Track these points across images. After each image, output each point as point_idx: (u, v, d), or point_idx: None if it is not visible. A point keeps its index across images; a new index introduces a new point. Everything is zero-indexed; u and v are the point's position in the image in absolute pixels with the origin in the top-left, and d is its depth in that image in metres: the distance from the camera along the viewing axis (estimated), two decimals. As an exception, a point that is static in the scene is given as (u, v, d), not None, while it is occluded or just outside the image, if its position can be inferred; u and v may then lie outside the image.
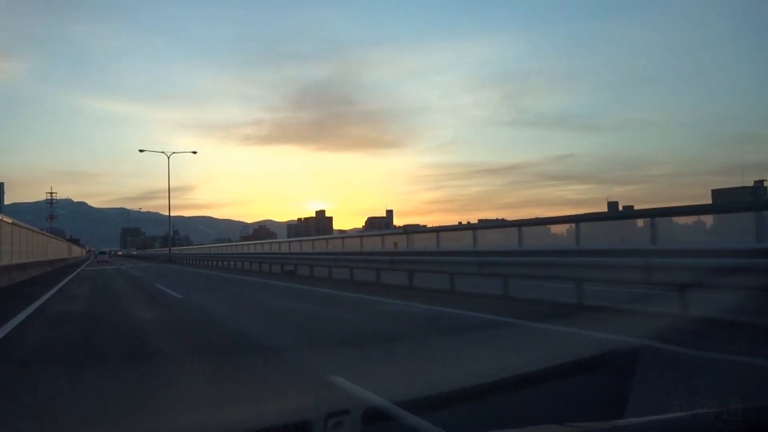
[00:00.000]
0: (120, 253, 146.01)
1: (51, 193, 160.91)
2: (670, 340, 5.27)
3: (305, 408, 2.62)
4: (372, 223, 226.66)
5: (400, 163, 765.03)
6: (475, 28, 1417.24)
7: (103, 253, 69.35)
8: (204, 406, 3.35)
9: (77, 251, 79.56)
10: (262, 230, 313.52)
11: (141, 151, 54.74)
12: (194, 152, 59.07)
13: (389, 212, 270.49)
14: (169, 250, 62.83)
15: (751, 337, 5.89)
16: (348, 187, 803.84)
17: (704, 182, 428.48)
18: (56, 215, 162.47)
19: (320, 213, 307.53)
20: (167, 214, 60.22)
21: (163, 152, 52.80)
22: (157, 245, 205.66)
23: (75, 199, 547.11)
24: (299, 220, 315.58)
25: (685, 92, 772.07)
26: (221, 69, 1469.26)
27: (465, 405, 2.62)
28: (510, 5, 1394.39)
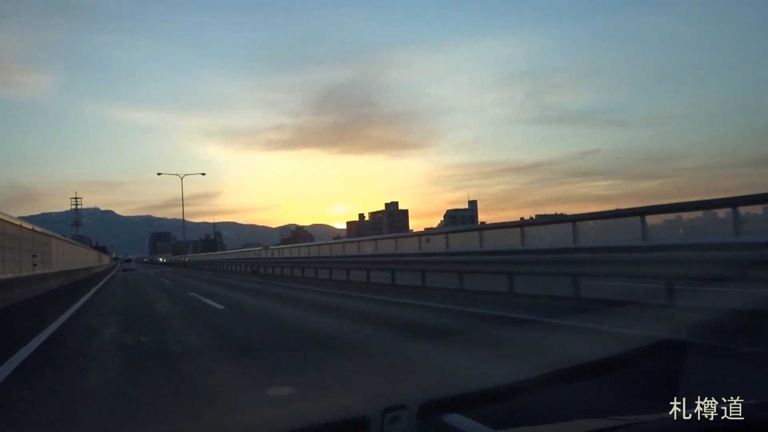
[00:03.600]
0: (163, 260, 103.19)
1: (75, 198, 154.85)
2: (718, 335, 5.34)
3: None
4: (453, 216, 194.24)
5: (422, 164, 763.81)
6: (496, 26, 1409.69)
7: (129, 260, 68.27)
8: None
9: (92, 258, 52.36)
10: (300, 232, 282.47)
11: (159, 174, 72.40)
12: (203, 173, 68.07)
13: (472, 203, 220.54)
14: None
15: None
16: (372, 189, 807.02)
17: (736, 174, 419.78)
18: (82, 222, 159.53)
19: (392, 206, 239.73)
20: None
21: (177, 174, 63.77)
22: (191, 251, 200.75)
23: (102, 208, 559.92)
24: (361, 216, 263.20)
25: (712, 84, 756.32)
26: (243, 75, 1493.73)
27: (515, 399, 2.74)
28: (531, 1, 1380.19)
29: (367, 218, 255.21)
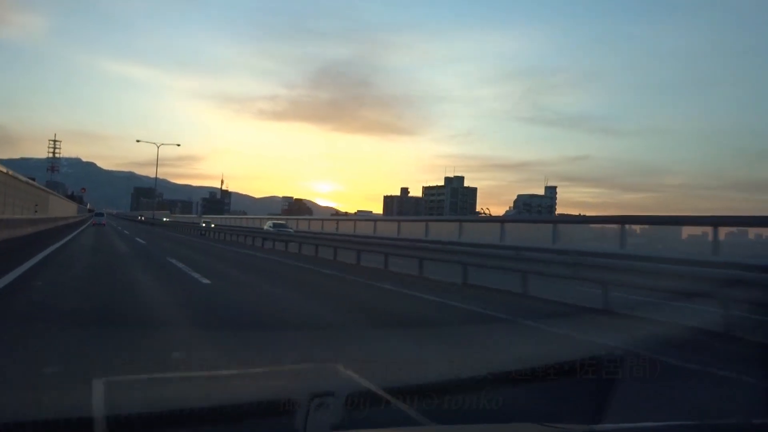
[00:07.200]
0: (206, 224, 53.20)
1: (54, 140, 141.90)
2: (657, 349, 5.60)
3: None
4: (527, 204, 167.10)
5: (413, 151, 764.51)
6: (501, 19, 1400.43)
7: (101, 215, 65.48)
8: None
9: None
10: (299, 204, 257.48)
11: (138, 141, 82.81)
12: (178, 145, 77.77)
13: (551, 189, 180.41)
14: None
15: (739, 351, 6.25)
16: (361, 170, 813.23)
17: (717, 196, 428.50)
18: (60, 169, 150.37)
19: (456, 182, 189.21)
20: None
21: (153, 143, 67.29)
22: (179, 211, 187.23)
23: (84, 159, 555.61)
24: (404, 191, 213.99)
25: (708, 102, 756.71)
26: (241, 39, 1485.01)
27: (448, 396, 2.82)
28: None
29: (411, 194, 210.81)
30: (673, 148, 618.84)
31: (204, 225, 50.88)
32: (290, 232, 30.27)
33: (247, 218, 61.56)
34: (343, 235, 23.98)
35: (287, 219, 43.46)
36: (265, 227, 35.30)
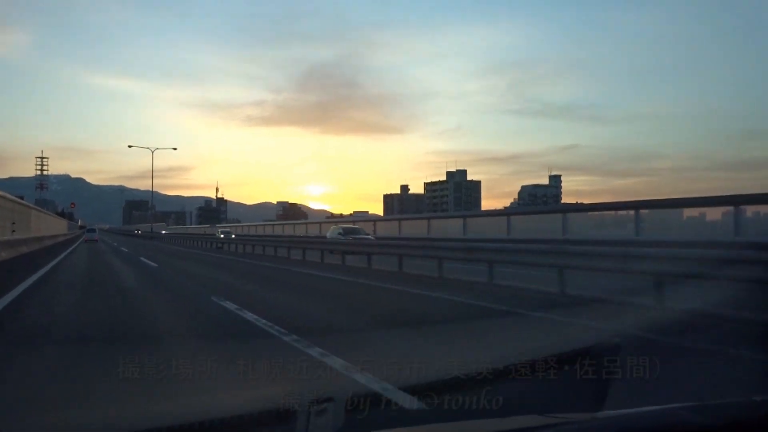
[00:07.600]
0: (226, 234, 45.21)
1: (41, 158, 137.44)
2: (656, 331, 5.78)
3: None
4: (533, 195, 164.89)
5: (403, 149, 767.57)
6: (484, 12, 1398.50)
7: (93, 230, 65.47)
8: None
9: None
10: (294, 209, 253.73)
11: (129, 146, 68.15)
12: (174, 149, 71.85)
13: (555, 178, 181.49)
14: None
15: (735, 330, 6.45)
16: (352, 171, 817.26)
17: (708, 177, 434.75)
18: (48, 185, 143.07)
19: (458, 175, 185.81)
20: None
21: (148, 147, 65.82)
22: (173, 222, 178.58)
23: (73, 175, 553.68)
24: (404, 188, 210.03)
25: (693, 86, 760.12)
26: (225, 47, 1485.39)
27: (448, 393, 2.81)
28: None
29: (412, 190, 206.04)
30: (662, 132, 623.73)
31: (222, 236, 43.29)
32: (370, 239, 23.46)
33: (277, 224, 50.96)
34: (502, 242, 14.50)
35: (355, 222, 34.28)
36: (329, 234, 27.82)
